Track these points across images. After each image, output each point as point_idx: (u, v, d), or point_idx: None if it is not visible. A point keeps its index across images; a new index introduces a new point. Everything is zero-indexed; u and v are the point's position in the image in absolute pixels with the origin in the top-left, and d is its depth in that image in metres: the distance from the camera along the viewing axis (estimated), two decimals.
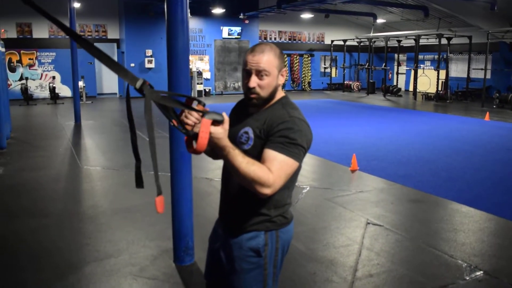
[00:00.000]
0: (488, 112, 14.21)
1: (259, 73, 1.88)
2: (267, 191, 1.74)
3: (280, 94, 2.00)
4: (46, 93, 18.57)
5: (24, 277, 3.66)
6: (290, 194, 2.05)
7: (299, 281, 3.57)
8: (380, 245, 4.32)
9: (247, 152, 1.81)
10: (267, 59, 1.88)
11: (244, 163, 1.70)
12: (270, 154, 1.80)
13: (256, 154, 1.83)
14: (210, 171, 6.88)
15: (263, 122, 1.90)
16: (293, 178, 1.97)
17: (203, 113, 1.60)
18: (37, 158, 7.95)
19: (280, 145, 1.81)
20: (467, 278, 3.65)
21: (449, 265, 3.91)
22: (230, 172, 1.83)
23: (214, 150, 1.70)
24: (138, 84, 1.45)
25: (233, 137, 1.90)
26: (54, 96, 17.46)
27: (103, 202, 5.60)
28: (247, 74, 1.90)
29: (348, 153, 8.13)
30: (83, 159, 7.99)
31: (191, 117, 1.69)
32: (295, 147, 1.83)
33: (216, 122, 1.60)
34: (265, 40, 23.21)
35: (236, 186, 1.95)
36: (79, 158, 8.00)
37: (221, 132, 1.62)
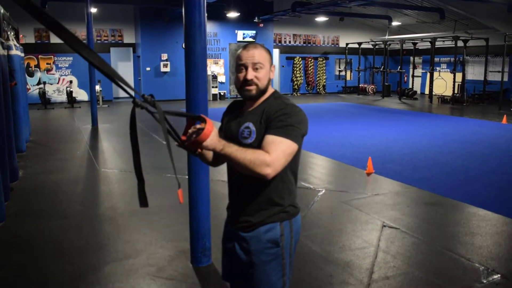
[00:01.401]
0: (505, 115, 14.05)
1: (255, 66, 2.01)
2: (268, 170, 1.81)
3: (271, 89, 2.12)
4: (63, 97, 18.84)
5: (46, 276, 3.74)
6: (296, 180, 2.12)
7: (316, 283, 3.59)
8: (396, 247, 4.32)
9: (250, 146, 1.93)
10: (260, 53, 2.03)
11: (239, 151, 1.80)
12: (268, 138, 1.90)
13: (260, 146, 1.92)
14: (222, 174, 6.91)
15: (261, 114, 2.00)
16: (296, 162, 2.07)
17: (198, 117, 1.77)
18: (55, 161, 8.08)
19: (278, 129, 1.91)
20: (484, 281, 3.64)
21: (466, 268, 3.89)
22: (232, 168, 1.94)
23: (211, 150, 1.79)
24: (146, 96, 1.58)
25: (235, 134, 2.03)
26: (71, 100, 17.70)
27: (121, 204, 5.68)
28: (242, 68, 2.02)
29: (363, 156, 8.12)
30: (100, 161, 8.10)
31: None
32: (293, 129, 1.92)
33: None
34: (279, 44, 23.27)
35: (245, 182, 2.01)
36: (97, 161, 8.11)
37: (217, 131, 1.78)
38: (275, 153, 1.84)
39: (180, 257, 4.08)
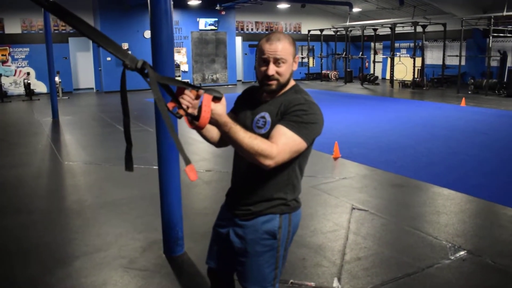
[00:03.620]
0: (464, 98, 14.49)
1: (277, 61, 1.93)
2: (269, 162, 1.77)
3: (292, 82, 2.06)
4: (21, 90, 18.20)
5: (13, 273, 3.62)
6: (302, 176, 2.10)
7: (290, 267, 3.62)
8: (366, 229, 4.41)
9: (264, 136, 1.85)
10: (283, 47, 1.94)
11: (247, 137, 1.72)
12: (280, 129, 1.85)
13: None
14: (194, 162, 6.85)
15: (279, 106, 1.95)
16: (305, 160, 2.06)
17: (204, 90, 1.61)
18: (16, 156, 7.82)
19: (291, 123, 1.86)
20: (452, 258, 3.76)
21: (434, 246, 4.01)
22: (239, 154, 1.86)
23: (218, 128, 1.69)
24: (140, 64, 1.39)
25: (250, 123, 1.98)
26: (29, 92, 17.13)
27: (88, 197, 5.56)
28: (264, 62, 1.95)
29: (329, 141, 8.20)
30: (63, 155, 7.89)
31: (186, 97, 1.63)
32: (306, 127, 1.88)
33: (216, 99, 1.63)
34: (242, 31, 23.16)
35: (250, 170, 1.98)
36: (60, 154, 7.90)
37: (221, 108, 1.64)
38: (281, 146, 1.80)
39: (152, 247, 4.04)
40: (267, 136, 1.87)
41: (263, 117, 1.97)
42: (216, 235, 2.21)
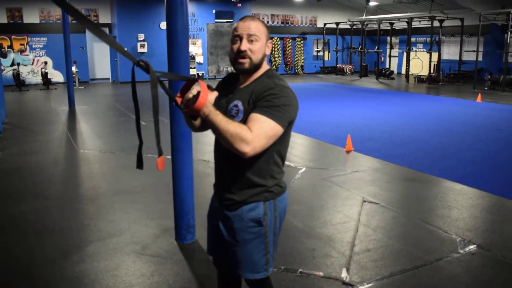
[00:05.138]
0: (480, 94, 14.33)
1: (250, 37, 1.96)
2: (246, 148, 1.79)
3: (266, 66, 2.07)
4: (38, 79, 18.46)
5: (30, 256, 3.72)
6: (283, 163, 2.11)
7: (299, 257, 3.66)
8: (377, 221, 4.43)
9: None
10: (256, 25, 1.98)
11: (224, 121, 1.78)
12: (253, 116, 1.87)
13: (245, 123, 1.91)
14: (207, 153, 6.95)
15: (251, 93, 1.96)
16: (283, 144, 2.05)
17: (198, 78, 1.81)
18: (33, 143, 7.97)
19: (264, 108, 1.88)
20: (461, 252, 3.77)
21: (444, 239, 4.02)
22: (221, 145, 1.92)
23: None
24: (142, 61, 1.58)
25: (224, 110, 1.98)
26: (47, 81, 17.36)
27: (103, 184, 5.66)
28: (237, 39, 1.98)
29: (342, 134, 8.22)
30: (79, 143, 8.02)
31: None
32: (278, 111, 1.88)
33: (209, 88, 1.80)
34: None
35: (230, 160, 1.99)
36: (76, 142, 8.02)
37: (213, 98, 1.79)
38: (256, 131, 1.81)
39: (164, 235, 4.11)
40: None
41: (236, 106, 1.98)
42: (210, 225, 2.25)
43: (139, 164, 1.72)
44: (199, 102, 1.70)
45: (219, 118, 1.77)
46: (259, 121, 1.84)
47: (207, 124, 1.84)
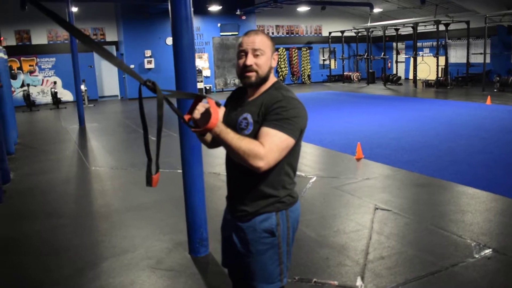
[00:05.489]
0: (489, 96, 14.25)
1: (255, 52, 1.98)
2: (260, 163, 1.82)
3: (273, 79, 2.09)
4: (48, 99, 18.68)
5: (45, 274, 3.76)
6: (295, 174, 2.13)
7: (313, 266, 3.66)
8: (390, 228, 4.41)
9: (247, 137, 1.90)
10: (261, 39, 2.00)
11: (236, 138, 1.81)
12: (264, 130, 1.89)
13: (256, 138, 1.91)
14: (218, 165, 6.97)
15: (260, 106, 1.98)
16: (294, 156, 2.07)
17: (206, 95, 1.82)
18: (45, 162, 8.05)
19: (274, 122, 1.90)
20: (477, 256, 3.73)
21: (458, 244, 3.99)
22: (230, 159, 1.96)
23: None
24: (149, 81, 1.61)
25: (233, 124, 2.01)
26: (56, 101, 17.57)
27: (115, 201, 5.69)
28: (243, 54, 2.01)
29: (352, 142, 8.21)
30: (90, 160, 8.09)
31: (200, 108, 1.85)
32: (288, 123, 1.90)
33: (217, 105, 1.82)
34: None
35: (241, 172, 2.01)
36: (87, 160, 8.10)
37: (221, 114, 1.81)
38: (268, 146, 1.83)
39: (178, 248, 4.12)
40: (251, 137, 1.90)
41: (245, 118, 2.00)
42: (223, 237, 2.26)
43: (149, 181, 1.74)
44: (211, 123, 1.73)
45: (230, 136, 1.80)
46: (270, 135, 1.86)
47: (218, 142, 1.87)
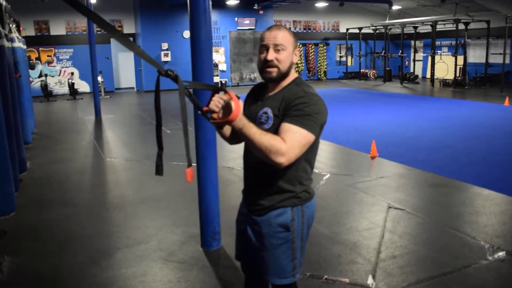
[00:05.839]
0: (507, 97, 14.03)
1: (276, 47, 1.98)
2: (281, 159, 1.82)
3: (294, 74, 2.10)
4: (65, 89, 18.86)
5: (60, 261, 3.82)
6: (312, 170, 2.13)
7: (325, 263, 3.66)
8: (403, 228, 4.39)
9: (267, 131, 1.90)
10: (283, 35, 2.00)
11: (258, 133, 1.81)
12: (285, 126, 1.90)
13: (276, 132, 1.92)
14: (231, 160, 6.99)
15: (281, 101, 1.99)
16: (312, 152, 2.07)
17: (225, 91, 1.81)
18: (61, 152, 8.15)
19: (295, 118, 1.90)
20: (490, 258, 3.70)
21: (472, 246, 3.95)
22: (250, 150, 1.95)
23: (234, 124, 1.80)
24: (173, 73, 1.61)
25: (253, 118, 2.02)
26: (73, 92, 17.73)
27: (129, 192, 5.75)
28: (264, 49, 2.01)
29: (367, 140, 8.17)
30: (106, 151, 8.16)
31: (217, 103, 1.84)
32: (309, 119, 1.91)
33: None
34: None
35: (259, 166, 2.02)
36: (102, 151, 8.17)
37: (242, 107, 1.80)
38: (290, 142, 1.84)
39: (190, 241, 4.15)
40: (270, 132, 1.91)
41: (266, 113, 2.01)
42: (238, 231, 2.27)
43: (159, 170, 1.74)
44: (233, 114, 1.73)
45: (253, 130, 1.81)
46: (292, 131, 1.87)
47: (239, 136, 1.87)
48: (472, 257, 3.74)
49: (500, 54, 17.58)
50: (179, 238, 4.23)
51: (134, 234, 4.37)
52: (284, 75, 2.03)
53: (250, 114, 2.06)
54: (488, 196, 5.26)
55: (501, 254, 3.77)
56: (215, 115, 1.82)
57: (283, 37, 1.99)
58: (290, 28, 23.41)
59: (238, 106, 1.74)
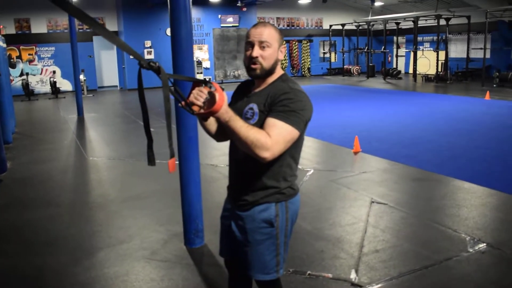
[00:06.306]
0: (488, 91, 14.25)
1: (261, 44, 1.99)
2: (266, 154, 1.83)
3: (280, 71, 2.10)
4: (47, 88, 18.64)
5: (42, 261, 3.78)
6: (297, 166, 2.14)
7: (308, 259, 3.67)
8: (385, 222, 4.42)
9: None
10: (268, 32, 2.00)
11: (244, 127, 1.81)
12: (270, 121, 1.90)
13: (261, 128, 1.92)
14: (215, 157, 6.98)
15: (266, 97, 1.99)
16: (297, 148, 2.08)
17: (207, 83, 1.82)
18: (43, 151, 8.05)
19: (280, 113, 1.91)
20: (471, 250, 3.75)
21: (453, 239, 4.00)
22: (236, 146, 1.95)
23: (219, 117, 1.78)
24: (155, 64, 1.60)
25: (239, 114, 2.00)
26: (55, 90, 17.53)
27: (112, 191, 5.70)
28: (249, 46, 2.01)
29: (350, 136, 8.21)
30: (88, 150, 8.09)
31: (200, 97, 1.79)
32: (295, 115, 1.91)
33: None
34: None
35: (244, 162, 2.03)
36: (85, 150, 8.09)
37: (226, 98, 1.78)
38: (275, 137, 1.85)
39: (173, 240, 4.13)
40: (256, 127, 1.90)
41: (251, 108, 2.01)
42: (223, 227, 2.28)
43: (151, 160, 1.74)
44: (218, 105, 1.72)
45: (239, 124, 1.81)
46: (277, 127, 1.88)
47: (226, 131, 1.87)
48: (453, 249, 3.78)
49: (481, 49, 17.81)
50: (162, 237, 4.21)
51: (117, 234, 4.33)
52: (269, 72, 2.03)
53: (236, 110, 2.04)
54: (469, 189, 5.33)
55: (482, 246, 3.83)
56: (195, 108, 1.79)
57: (268, 34, 2.00)
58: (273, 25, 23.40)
59: (222, 97, 1.73)
